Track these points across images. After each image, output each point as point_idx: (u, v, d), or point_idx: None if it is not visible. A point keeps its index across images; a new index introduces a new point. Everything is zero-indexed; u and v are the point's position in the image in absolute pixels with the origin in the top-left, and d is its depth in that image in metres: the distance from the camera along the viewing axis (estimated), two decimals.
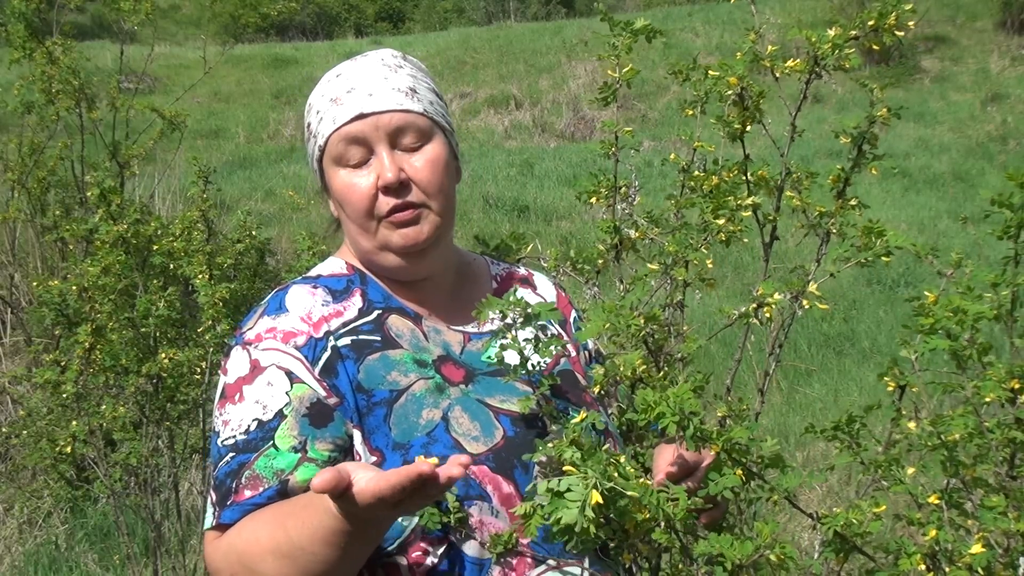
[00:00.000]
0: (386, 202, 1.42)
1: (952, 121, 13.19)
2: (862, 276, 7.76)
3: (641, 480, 1.24)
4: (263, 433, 1.34)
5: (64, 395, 3.63)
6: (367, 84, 1.44)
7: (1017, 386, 1.29)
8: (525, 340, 1.36)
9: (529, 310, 1.34)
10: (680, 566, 1.43)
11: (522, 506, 1.23)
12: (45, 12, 5.58)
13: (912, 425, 1.46)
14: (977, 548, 1.21)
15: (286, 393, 1.36)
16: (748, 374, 3.91)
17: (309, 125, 1.50)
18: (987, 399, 1.27)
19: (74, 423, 3.65)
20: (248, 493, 1.31)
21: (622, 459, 1.22)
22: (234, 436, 1.35)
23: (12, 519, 4.29)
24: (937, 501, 1.31)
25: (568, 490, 1.12)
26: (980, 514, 1.25)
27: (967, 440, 1.31)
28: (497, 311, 1.33)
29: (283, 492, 1.32)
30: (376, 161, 1.42)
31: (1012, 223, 1.47)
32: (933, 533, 1.25)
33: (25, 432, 4.06)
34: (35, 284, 4.90)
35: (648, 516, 1.25)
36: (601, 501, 1.12)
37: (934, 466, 1.35)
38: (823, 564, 1.57)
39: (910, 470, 1.33)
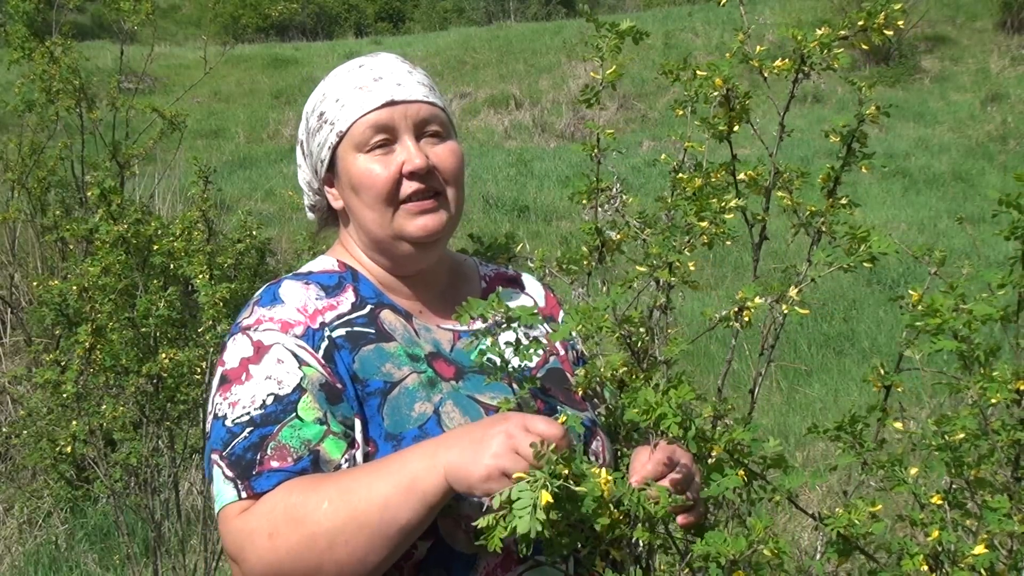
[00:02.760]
0: (410, 186, 1.45)
1: (952, 121, 13.19)
2: (862, 276, 7.76)
3: (596, 471, 1.22)
4: (283, 406, 1.32)
5: (64, 395, 3.63)
6: (394, 74, 1.48)
7: (1023, 387, 1.28)
8: (506, 343, 1.37)
9: (510, 313, 1.33)
10: (676, 567, 1.42)
11: (484, 519, 1.22)
12: (45, 12, 5.57)
13: (899, 425, 1.46)
14: (980, 549, 1.21)
15: (299, 368, 1.35)
16: (748, 374, 3.91)
17: (323, 114, 1.50)
18: (993, 400, 1.26)
19: (74, 423, 3.64)
20: (276, 464, 1.28)
21: (576, 458, 1.21)
22: (248, 412, 1.32)
23: (12, 519, 4.28)
24: (940, 502, 1.31)
25: (518, 499, 1.11)
26: (984, 515, 1.25)
27: (971, 441, 1.31)
28: (478, 313, 1.33)
29: (316, 463, 1.30)
30: (401, 148, 1.45)
31: (1020, 223, 1.47)
32: (936, 534, 1.25)
33: (25, 432, 4.06)
34: (35, 284, 4.90)
35: (613, 518, 1.24)
36: (551, 500, 1.11)
37: (937, 466, 1.35)
38: (824, 564, 1.57)
39: (913, 470, 1.32)
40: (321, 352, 1.39)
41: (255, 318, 1.41)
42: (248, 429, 1.30)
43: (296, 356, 1.36)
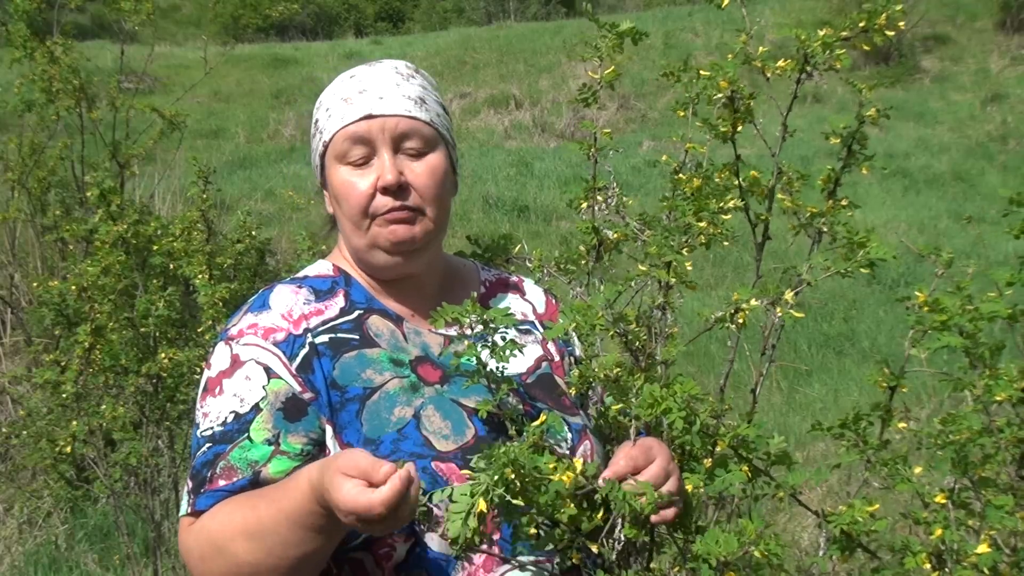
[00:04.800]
0: (383, 202, 1.45)
1: (952, 121, 13.19)
2: (862, 276, 7.73)
3: (553, 466, 1.23)
4: (239, 425, 1.37)
5: (64, 395, 3.63)
6: (379, 88, 1.48)
7: None
8: (482, 346, 1.37)
9: (484, 316, 1.33)
10: (665, 566, 1.42)
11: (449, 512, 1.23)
12: (45, 12, 5.57)
13: (903, 425, 1.46)
14: (983, 548, 1.20)
15: (263, 387, 1.39)
16: (748, 375, 3.91)
17: (317, 121, 1.53)
18: (998, 398, 1.26)
19: (74, 423, 3.64)
20: (222, 483, 1.35)
21: (526, 452, 1.21)
22: (212, 428, 1.39)
23: (12, 519, 4.28)
24: (943, 500, 1.31)
25: (455, 501, 1.13)
26: (988, 513, 1.25)
27: (976, 438, 1.30)
28: (451, 318, 1.33)
29: (255, 483, 1.36)
30: (378, 162, 1.46)
31: None
32: (939, 532, 1.25)
33: (25, 432, 4.05)
34: (35, 284, 4.90)
35: (574, 511, 1.24)
36: (485, 509, 1.12)
37: (941, 464, 1.35)
38: (826, 562, 1.56)
39: (917, 469, 1.32)
40: (299, 359, 1.42)
41: (239, 328, 1.45)
42: (208, 445, 1.38)
43: (268, 369, 1.41)
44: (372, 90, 1.48)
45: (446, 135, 1.53)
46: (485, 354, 1.37)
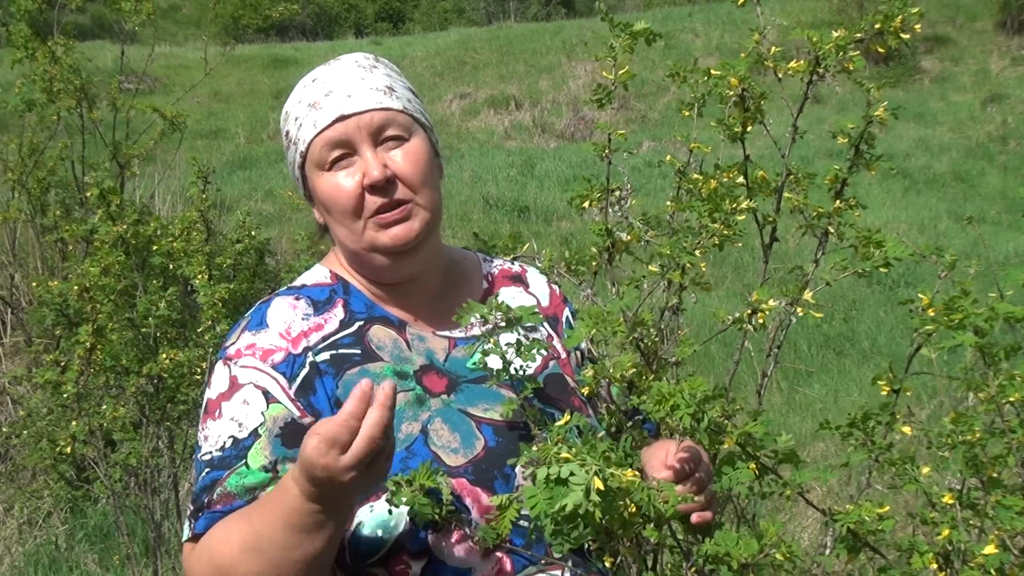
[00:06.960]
0: (373, 201, 1.41)
1: (952, 121, 13.19)
2: (863, 276, 7.74)
3: (630, 472, 1.22)
4: (236, 451, 1.35)
5: (64, 395, 3.62)
6: (345, 86, 1.44)
7: None
8: (507, 344, 1.35)
9: (511, 314, 1.32)
10: (682, 567, 1.41)
11: (498, 497, 1.22)
12: (46, 12, 5.57)
13: (907, 429, 1.45)
14: (991, 549, 1.20)
15: (261, 413, 1.37)
16: (749, 375, 3.90)
17: (288, 133, 1.49)
18: (1011, 399, 1.25)
19: (74, 423, 3.64)
20: (219, 507, 1.34)
21: (614, 454, 1.21)
22: (211, 452, 1.37)
23: (12, 519, 4.27)
24: (951, 501, 1.30)
25: (571, 474, 1.11)
26: (997, 513, 1.24)
27: (987, 439, 1.30)
28: (480, 316, 1.32)
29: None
30: (360, 161, 1.42)
31: None
32: (946, 532, 1.24)
33: (25, 432, 4.04)
34: (35, 284, 4.90)
35: (635, 512, 1.24)
36: (602, 487, 1.10)
37: (949, 465, 1.34)
38: (833, 561, 1.56)
39: (925, 469, 1.32)
40: (299, 381, 1.39)
41: (237, 348, 1.42)
42: (207, 470, 1.37)
43: (266, 394, 1.38)
44: (338, 90, 1.43)
45: (422, 119, 1.49)
46: (511, 353, 1.35)
